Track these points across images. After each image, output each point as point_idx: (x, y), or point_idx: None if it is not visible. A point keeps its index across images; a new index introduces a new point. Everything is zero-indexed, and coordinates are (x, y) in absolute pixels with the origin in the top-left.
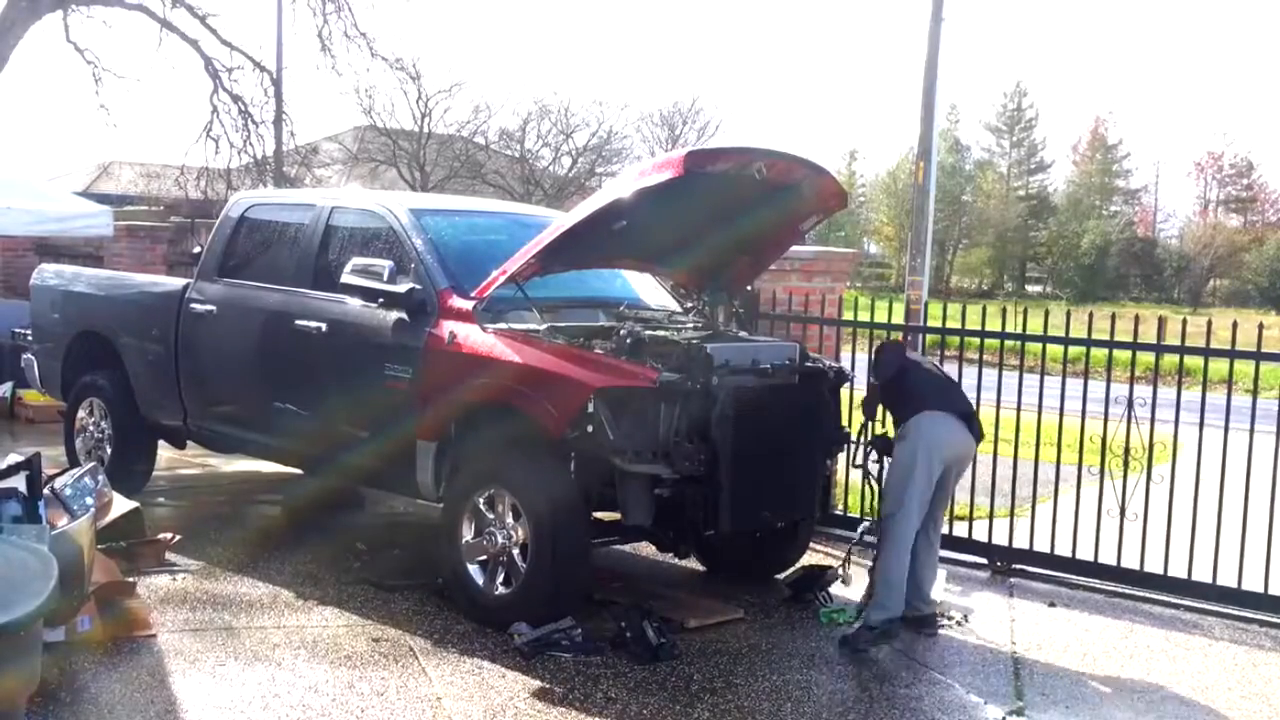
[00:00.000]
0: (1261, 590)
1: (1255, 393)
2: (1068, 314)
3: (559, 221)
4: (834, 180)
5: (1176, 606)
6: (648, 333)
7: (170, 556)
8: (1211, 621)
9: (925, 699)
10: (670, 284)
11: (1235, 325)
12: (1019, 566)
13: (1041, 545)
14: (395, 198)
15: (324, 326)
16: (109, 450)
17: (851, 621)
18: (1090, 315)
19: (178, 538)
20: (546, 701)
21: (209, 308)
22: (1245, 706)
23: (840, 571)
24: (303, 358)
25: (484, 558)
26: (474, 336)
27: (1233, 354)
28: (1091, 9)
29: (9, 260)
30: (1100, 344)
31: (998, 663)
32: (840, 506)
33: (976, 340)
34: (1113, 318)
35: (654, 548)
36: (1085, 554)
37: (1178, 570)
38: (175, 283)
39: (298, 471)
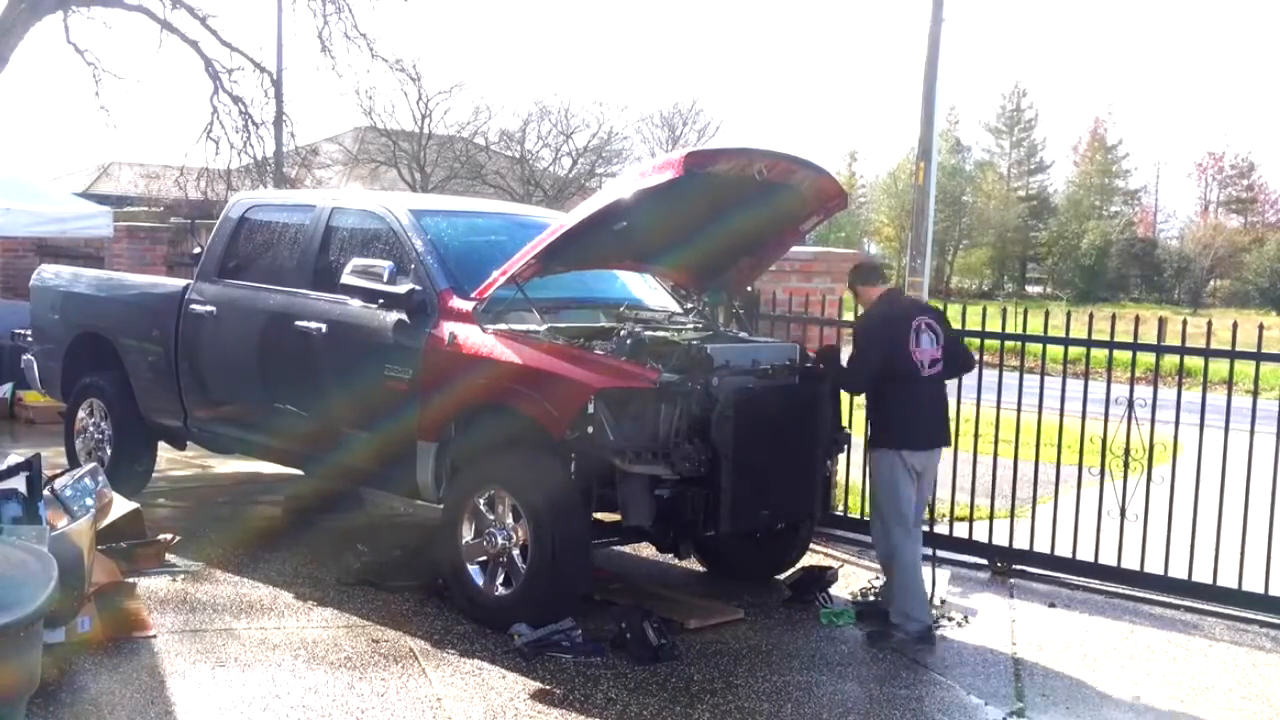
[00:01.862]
0: (1261, 591)
1: (1255, 393)
2: (1068, 315)
3: (559, 222)
4: (834, 181)
5: (1177, 607)
6: (648, 333)
7: (170, 557)
8: (1211, 622)
9: (926, 700)
10: (670, 284)
11: (1235, 326)
12: (1019, 567)
13: (1042, 546)
14: (395, 198)
15: (324, 327)
16: (109, 451)
17: (851, 624)
18: (1090, 316)
19: (177, 539)
20: (547, 702)
21: (209, 309)
22: (1245, 707)
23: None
24: (303, 359)
25: (484, 558)
26: (474, 337)
27: (1233, 354)
28: (1091, 9)
29: (9, 261)
30: (1100, 344)
31: (998, 663)
32: (840, 507)
33: (977, 341)
34: (1113, 318)
35: (654, 548)
36: (1085, 555)
37: (1178, 571)
38: (175, 284)
39: (298, 472)
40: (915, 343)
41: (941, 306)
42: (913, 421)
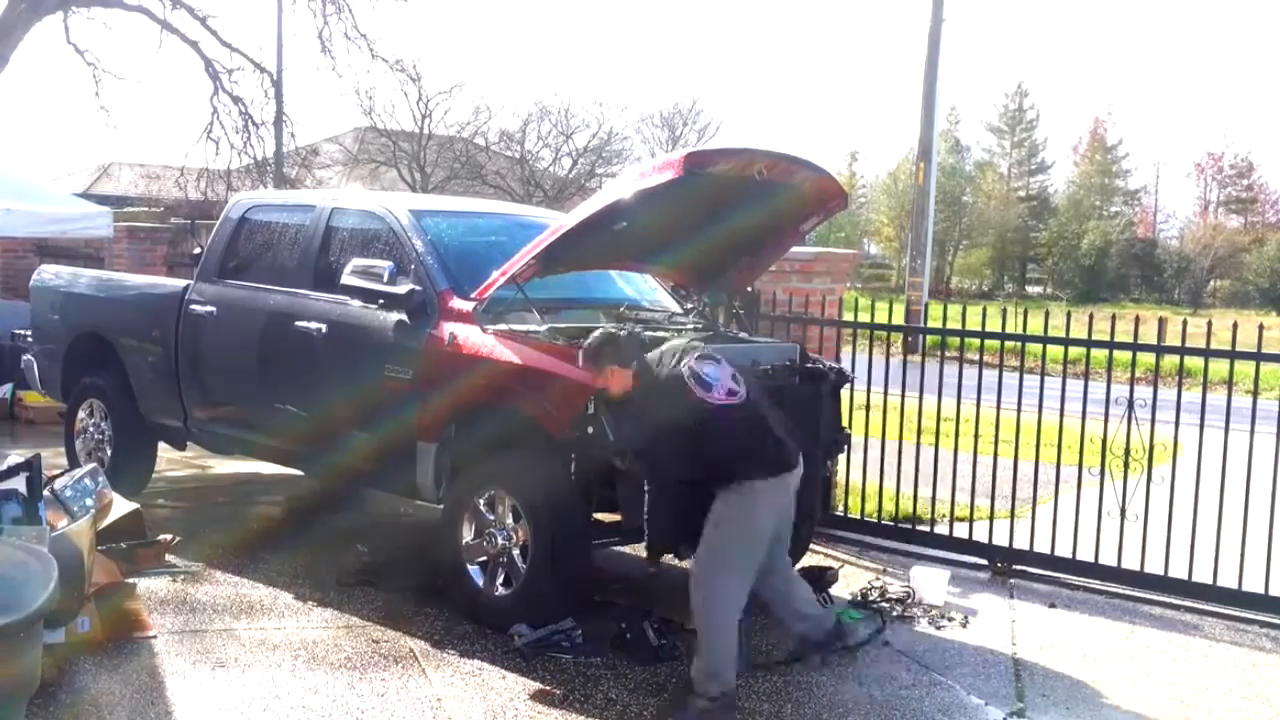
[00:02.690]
0: (1262, 591)
1: (1255, 393)
2: (1068, 315)
3: (559, 223)
4: (834, 181)
5: (1177, 607)
6: (648, 334)
7: (170, 558)
8: (1212, 622)
9: (926, 700)
10: (670, 284)
11: (1235, 326)
12: (1019, 567)
13: (1042, 546)
14: (395, 199)
15: (324, 328)
16: (109, 451)
17: (856, 621)
18: (1090, 316)
19: (178, 539)
20: (547, 703)
21: (209, 309)
22: (1245, 708)
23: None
24: (303, 359)
25: (484, 559)
26: (474, 337)
27: (1233, 355)
28: (1091, 9)
29: (9, 261)
30: (1100, 345)
31: (998, 664)
32: (840, 507)
33: (977, 341)
34: (1113, 319)
35: None
36: (1086, 555)
37: (1178, 571)
38: (175, 284)
39: (298, 472)
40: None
41: (941, 307)
42: (756, 437)
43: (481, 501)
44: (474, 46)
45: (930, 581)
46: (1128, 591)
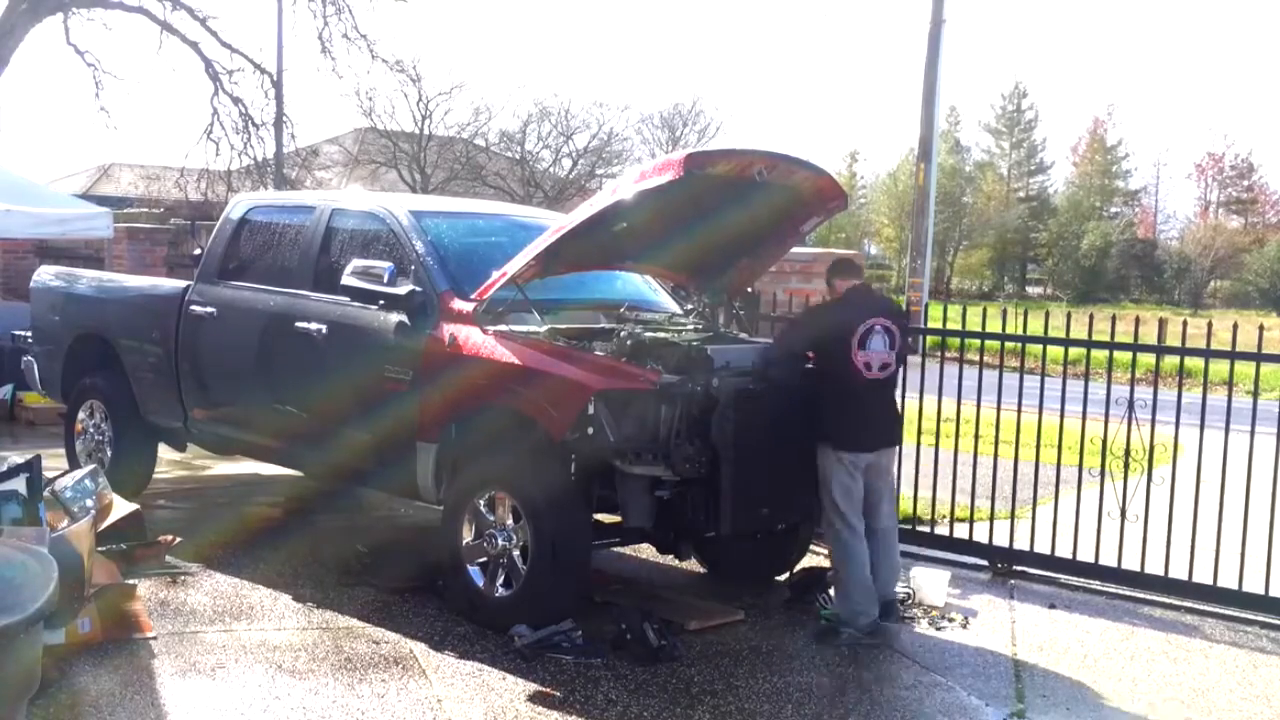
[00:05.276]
0: (1262, 592)
1: (1256, 394)
2: (1068, 315)
3: (559, 223)
4: (834, 181)
5: (1177, 608)
6: (648, 334)
7: (170, 559)
8: (1212, 623)
9: (926, 701)
10: (670, 285)
11: (1235, 327)
12: (1019, 568)
13: (1042, 547)
14: (395, 199)
15: (324, 329)
16: (109, 452)
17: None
18: (1090, 317)
19: (178, 540)
20: (547, 704)
21: (209, 310)
22: (1246, 708)
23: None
24: (303, 360)
25: (484, 560)
26: (474, 338)
27: (1233, 355)
28: (1091, 9)
29: (9, 262)
30: (1100, 345)
31: (999, 665)
32: None
33: (977, 342)
34: (1113, 319)
35: (654, 549)
36: (1086, 556)
37: (1178, 572)
38: (175, 285)
39: (298, 473)
40: (862, 345)
41: (941, 308)
42: (851, 425)
43: (482, 502)
44: (474, 46)
45: (930, 582)
46: (1128, 592)
